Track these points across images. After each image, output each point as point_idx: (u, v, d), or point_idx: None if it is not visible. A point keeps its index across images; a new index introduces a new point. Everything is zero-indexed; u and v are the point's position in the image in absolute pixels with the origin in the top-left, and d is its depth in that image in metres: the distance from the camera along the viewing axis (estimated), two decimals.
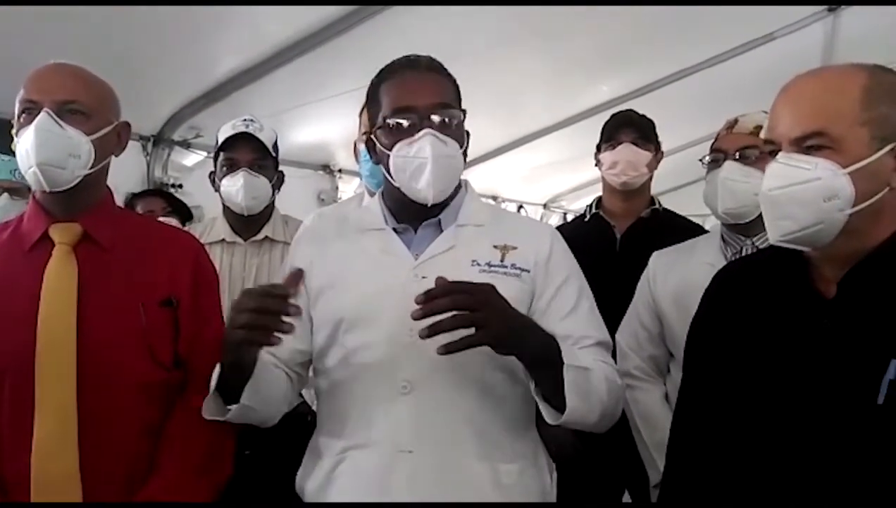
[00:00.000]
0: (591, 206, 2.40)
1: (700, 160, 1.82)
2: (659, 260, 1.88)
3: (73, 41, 2.44)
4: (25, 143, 1.32)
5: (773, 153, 1.08)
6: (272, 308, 1.14)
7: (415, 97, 1.32)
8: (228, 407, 1.27)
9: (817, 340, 1.06)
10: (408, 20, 2.94)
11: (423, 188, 1.32)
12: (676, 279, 1.79)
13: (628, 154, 2.25)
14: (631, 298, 1.94)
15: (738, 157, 1.71)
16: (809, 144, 1.03)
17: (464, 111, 1.38)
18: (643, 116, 2.36)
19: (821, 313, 1.08)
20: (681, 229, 2.14)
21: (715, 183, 1.72)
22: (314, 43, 3.07)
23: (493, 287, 1.19)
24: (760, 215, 1.63)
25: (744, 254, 1.73)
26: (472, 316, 1.14)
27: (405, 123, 1.32)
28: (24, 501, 1.29)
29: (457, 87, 1.39)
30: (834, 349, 1.05)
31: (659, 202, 2.36)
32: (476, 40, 3.23)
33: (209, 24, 2.84)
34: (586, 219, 2.38)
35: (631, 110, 2.41)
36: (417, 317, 1.13)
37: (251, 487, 1.86)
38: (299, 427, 1.60)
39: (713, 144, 1.79)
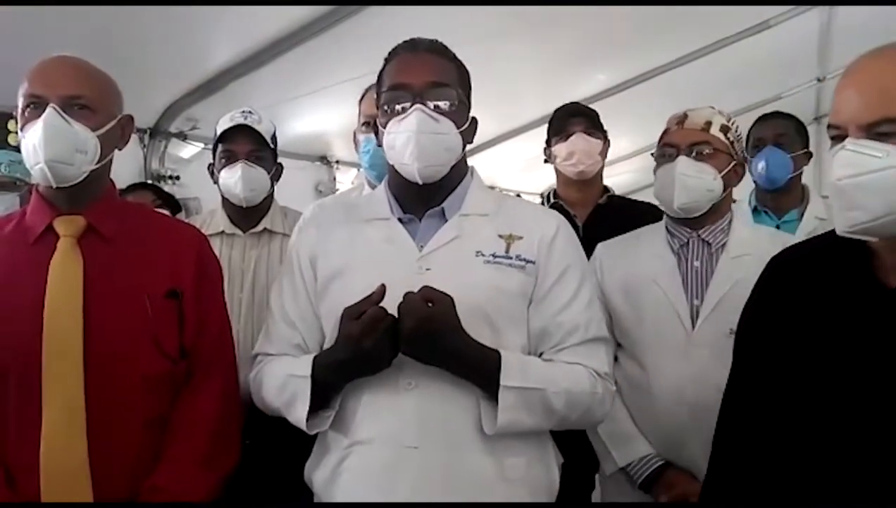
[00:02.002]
0: (547, 197, 2.44)
1: (651, 154, 1.83)
2: (605, 251, 1.89)
3: (68, 33, 2.44)
4: (32, 138, 1.31)
5: (837, 138, 1.03)
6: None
7: (409, 76, 1.33)
8: (328, 413, 1.34)
9: (880, 331, 1.02)
10: (404, 9, 2.93)
11: (409, 163, 1.32)
12: (624, 270, 1.80)
13: (582, 144, 2.30)
14: None
15: (690, 152, 1.72)
16: (881, 130, 0.98)
17: (468, 94, 1.37)
18: (589, 107, 2.45)
19: (884, 303, 1.03)
20: (638, 213, 2.18)
21: (669, 178, 1.72)
22: (310, 33, 3.06)
23: (442, 307, 1.25)
24: (709, 210, 1.71)
25: (691, 246, 1.75)
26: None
27: (399, 100, 1.33)
28: (35, 492, 1.30)
29: (462, 71, 1.39)
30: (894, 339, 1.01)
31: (612, 189, 2.42)
32: (473, 30, 3.22)
33: (204, 16, 2.83)
34: None
35: (576, 103, 2.49)
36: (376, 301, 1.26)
37: (251, 476, 1.87)
38: None
39: (662, 138, 1.80)
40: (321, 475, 1.38)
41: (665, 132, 1.80)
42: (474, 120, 1.41)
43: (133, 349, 1.36)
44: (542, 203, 2.45)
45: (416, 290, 1.27)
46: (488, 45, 3.42)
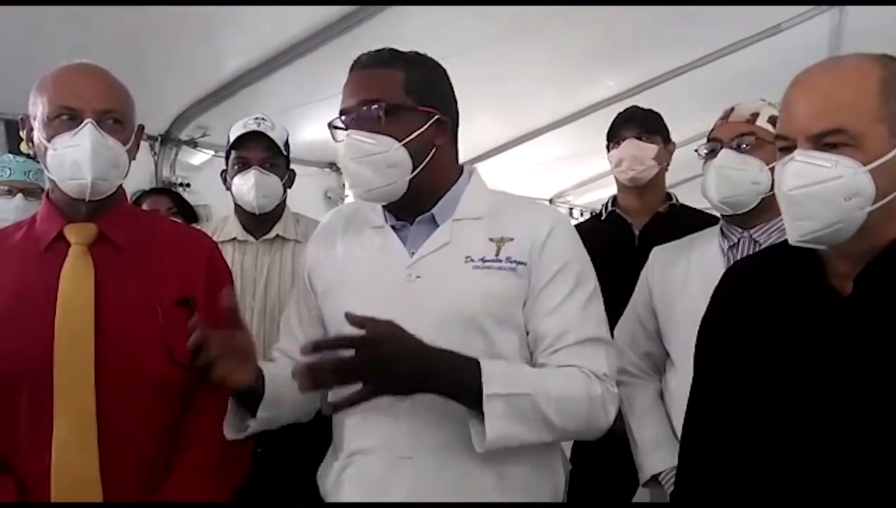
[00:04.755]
0: (606, 204, 2.39)
1: (696, 151, 1.77)
2: (658, 256, 1.85)
3: (78, 41, 2.44)
4: (74, 154, 1.31)
5: (786, 149, 1.05)
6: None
7: (345, 98, 1.33)
8: (247, 423, 1.31)
9: (834, 337, 1.04)
10: (412, 17, 2.93)
11: (352, 193, 1.33)
12: (675, 275, 1.76)
13: (632, 149, 2.26)
14: None
15: (734, 145, 1.66)
16: (829, 141, 1.00)
17: (425, 95, 1.32)
18: (648, 111, 2.36)
19: (837, 310, 1.05)
20: (700, 223, 2.08)
21: (710, 172, 1.67)
22: (320, 40, 3.07)
23: (387, 329, 1.15)
24: (758, 206, 1.64)
25: (741, 246, 1.69)
26: (357, 373, 1.14)
27: (338, 125, 1.33)
28: (46, 501, 1.29)
29: (415, 71, 1.33)
30: (852, 345, 1.03)
31: (676, 198, 2.34)
32: (480, 37, 3.22)
33: (215, 23, 2.84)
34: (602, 217, 2.37)
35: (635, 106, 2.41)
36: (300, 372, 1.12)
37: (263, 484, 1.87)
38: (311, 424, 1.61)
39: (709, 134, 1.74)
40: (327, 482, 1.39)
41: (712, 128, 1.74)
42: (440, 120, 1.33)
43: (145, 357, 1.36)
44: (601, 211, 2.39)
45: (406, 298, 1.28)
46: (496, 53, 3.43)
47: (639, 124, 2.30)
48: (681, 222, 2.18)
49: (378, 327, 1.15)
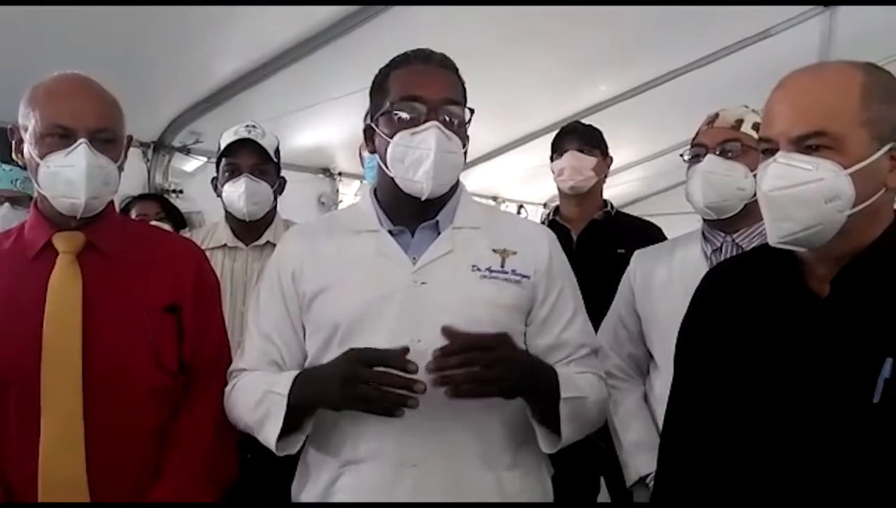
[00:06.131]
0: (549, 214, 2.59)
1: (681, 155, 1.79)
2: (640, 259, 1.87)
3: (71, 47, 2.45)
4: (68, 173, 1.31)
5: (768, 152, 1.06)
6: (396, 384, 1.16)
7: (425, 89, 1.30)
8: (299, 437, 1.32)
9: (811, 339, 1.05)
10: (408, 21, 2.94)
11: (421, 180, 1.29)
12: (657, 277, 1.78)
13: (572, 160, 2.46)
14: (588, 295, 1.90)
15: (719, 151, 1.68)
16: (810, 143, 1.01)
17: (471, 110, 1.36)
18: (589, 126, 2.59)
19: (814, 312, 1.06)
20: (634, 228, 2.29)
21: (695, 177, 1.69)
22: (313, 46, 3.08)
23: (507, 337, 1.22)
24: (741, 211, 1.66)
25: (724, 250, 1.70)
26: (487, 373, 1.17)
27: (412, 112, 1.30)
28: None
29: (464, 88, 1.38)
30: (828, 347, 1.04)
31: (612, 205, 2.55)
32: (476, 41, 3.23)
33: (208, 29, 2.85)
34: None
35: (577, 122, 2.68)
36: (432, 369, 1.15)
37: (253, 490, 1.87)
38: None
39: (694, 139, 1.76)
40: (310, 497, 1.35)
41: (696, 133, 1.76)
42: (468, 137, 1.40)
43: (132, 363, 1.36)
44: (544, 221, 2.56)
45: (413, 303, 1.29)
46: (492, 58, 3.44)
47: (580, 138, 2.51)
48: (616, 227, 2.45)
49: (489, 335, 1.22)
